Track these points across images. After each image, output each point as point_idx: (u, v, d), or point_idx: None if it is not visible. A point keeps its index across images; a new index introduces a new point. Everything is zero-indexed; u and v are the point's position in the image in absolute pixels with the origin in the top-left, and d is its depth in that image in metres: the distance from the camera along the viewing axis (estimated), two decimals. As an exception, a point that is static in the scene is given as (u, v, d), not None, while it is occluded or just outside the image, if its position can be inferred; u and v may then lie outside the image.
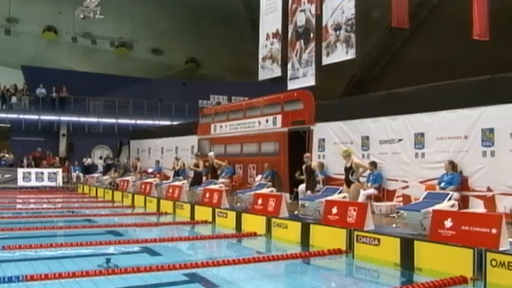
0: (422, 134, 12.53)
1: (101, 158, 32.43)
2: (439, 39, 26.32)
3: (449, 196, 10.16)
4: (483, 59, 21.22)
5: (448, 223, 7.93)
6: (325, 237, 9.79)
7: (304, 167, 15.08)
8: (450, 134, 11.81)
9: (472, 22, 12.86)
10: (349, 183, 12.95)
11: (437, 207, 9.19)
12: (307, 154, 15.30)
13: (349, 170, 13.06)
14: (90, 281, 6.96)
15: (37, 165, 28.67)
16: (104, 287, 6.78)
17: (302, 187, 14.81)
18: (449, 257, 7.52)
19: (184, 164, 21.51)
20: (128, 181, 21.40)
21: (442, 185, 11.28)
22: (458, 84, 12.05)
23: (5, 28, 34.95)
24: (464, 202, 11.00)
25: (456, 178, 11.20)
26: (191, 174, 20.58)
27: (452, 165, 11.37)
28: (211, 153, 19.63)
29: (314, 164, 14.88)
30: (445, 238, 7.84)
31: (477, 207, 10.75)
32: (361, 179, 13.50)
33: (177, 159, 22.37)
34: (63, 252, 9.30)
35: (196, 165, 19.57)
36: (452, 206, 9.93)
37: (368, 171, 13.34)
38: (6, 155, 28.92)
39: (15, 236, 10.93)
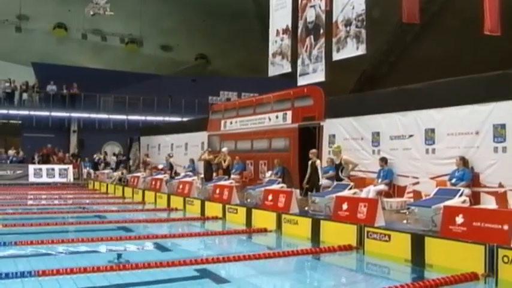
0: (433, 130, 12.47)
1: (98, 158, 32.23)
2: (450, 35, 26.13)
3: (460, 192, 10.12)
4: (494, 55, 21.06)
5: (459, 219, 7.90)
6: (335, 233, 9.78)
7: (310, 163, 15.03)
8: (461, 130, 11.75)
9: (483, 17, 12.76)
10: (339, 180, 12.95)
11: (448, 203, 9.15)
12: (313, 150, 15.14)
13: (339, 167, 13.07)
14: (102, 276, 7.00)
15: (45, 162, 28.82)
16: (114, 282, 6.81)
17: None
18: (461, 253, 7.49)
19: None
20: (138, 177, 21.49)
21: (453, 181, 11.21)
22: (469, 80, 11.97)
23: (16, 25, 35.09)
24: (475, 198, 10.93)
25: (467, 174, 11.14)
26: (201, 170, 20.62)
27: (464, 161, 11.30)
28: (224, 149, 19.50)
29: (318, 161, 14.77)
30: (456, 234, 7.82)
31: (488, 203, 10.68)
32: (372, 175, 13.50)
33: (169, 156, 22.73)
34: (75, 248, 9.34)
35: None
36: (464, 202, 9.88)
37: (379, 168, 13.30)
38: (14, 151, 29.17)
39: (27, 231, 11.00)
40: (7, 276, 6.68)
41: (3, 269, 7.12)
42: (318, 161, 14.72)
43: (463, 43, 24.74)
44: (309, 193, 13.63)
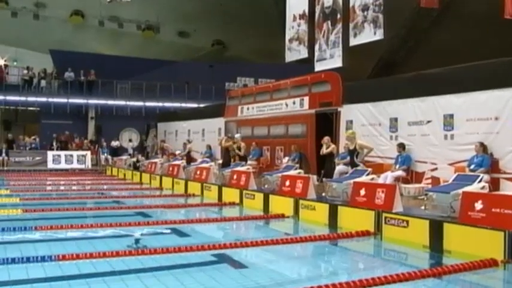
0: (451, 116, 12.33)
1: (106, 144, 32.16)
2: (468, 20, 25.82)
3: (479, 178, 10.03)
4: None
5: (479, 205, 7.84)
6: (353, 219, 9.77)
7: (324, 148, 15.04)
8: (480, 115, 11.59)
9: (504, 1, 12.57)
10: (354, 165, 12.88)
11: (467, 189, 9.08)
12: (326, 138, 15.07)
13: (353, 153, 13.01)
14: (120, 261, 7.06)
15: (63, 148, 29.06)
16: (133, 267, 6.87)
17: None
18: (480, 239, 7.45)
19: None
20: (155, 163, 21.61)
21: (472, 167, 11.08)
22: (489, 65, 11.81)
23: (34, 13, 35.28)
24: (494, 184, 10.81)
25: (486, 160, 11.01)
26: (218, 156, 20.67)
27: (483, 147, 11.17)
28: (237, 135, 19.56)
29: (333, 146, 14.76)
30: (475, 220, 7.77)
31: (508, 189, 10.56)
32: (390, 161, 13.42)
33: (189, 141, 22.86)
34: (93, 233, 9.43)
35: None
36: (483, 188, 9.79)
37: (397, 154, 13.23)
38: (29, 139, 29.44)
39: (46, 217, 11.10)
40: (28, 260, 6.78)
41: (24, 253, 7.24)
42: (333, 146, 14.70)
43: (481, 28, 24.43)
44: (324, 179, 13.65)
